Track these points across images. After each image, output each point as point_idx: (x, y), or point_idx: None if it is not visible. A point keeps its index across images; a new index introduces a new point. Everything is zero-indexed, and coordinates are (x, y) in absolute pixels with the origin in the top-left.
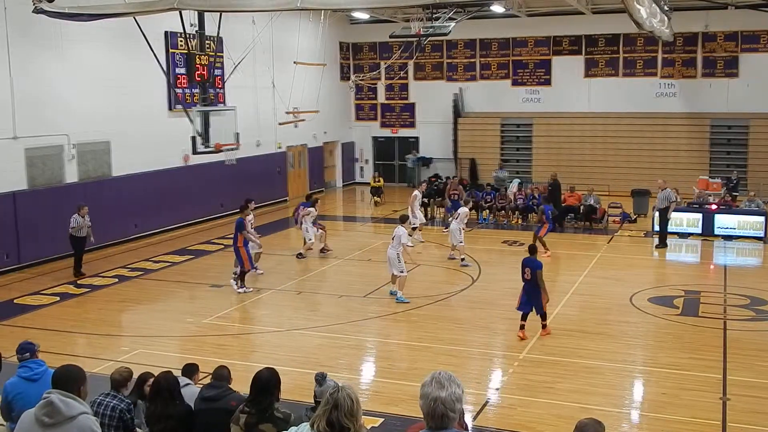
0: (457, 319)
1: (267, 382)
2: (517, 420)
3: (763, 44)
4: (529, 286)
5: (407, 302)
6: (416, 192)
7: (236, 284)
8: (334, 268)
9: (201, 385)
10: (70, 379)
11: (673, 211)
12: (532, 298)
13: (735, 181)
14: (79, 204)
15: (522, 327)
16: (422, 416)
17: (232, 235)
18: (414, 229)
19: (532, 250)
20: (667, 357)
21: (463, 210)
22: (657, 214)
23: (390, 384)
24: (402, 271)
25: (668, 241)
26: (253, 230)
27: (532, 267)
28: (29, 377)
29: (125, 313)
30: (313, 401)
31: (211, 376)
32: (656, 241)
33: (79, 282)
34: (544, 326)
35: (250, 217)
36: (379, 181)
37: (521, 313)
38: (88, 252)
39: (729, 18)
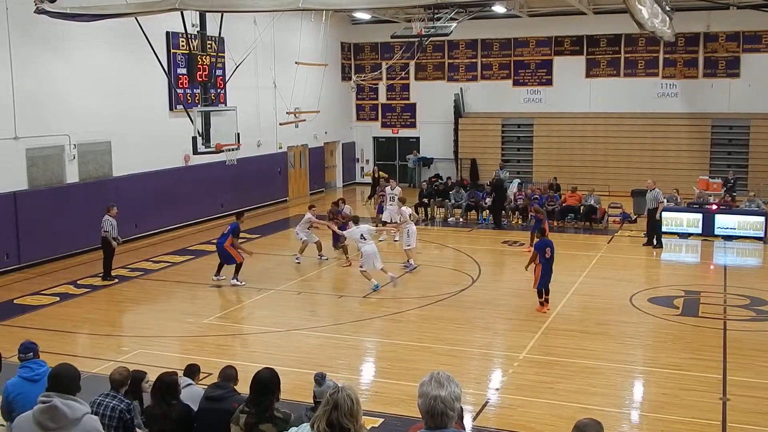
0: (457, 319)
1: (267, 382)
2: (517, 420)
3: (764, 44)
4: (549, 264)
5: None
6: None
7: (236, 280)
8: (334, 268)
9: (201, 385)
10: (70, 379)
11: (667, 210)
12: (549, 275)
13: (732, 182)
14: (109, 204)
15: (546, 302)
16: (421, 416)
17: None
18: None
19: (545, 231)
20: (667, 357)
21: (405, 210)
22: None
23: (390, 384)
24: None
25: (669, 241)
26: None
27: (552, 246)
28: (30, 378)
29: (125, 313)
30: (312, 402)
31: (218, 375)
32: (647, 240)
33: (79, 282)
34: (547, 301)
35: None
36: (378, 176)
37: (539, 291)
38: (88, 252)
39: (731, 18)
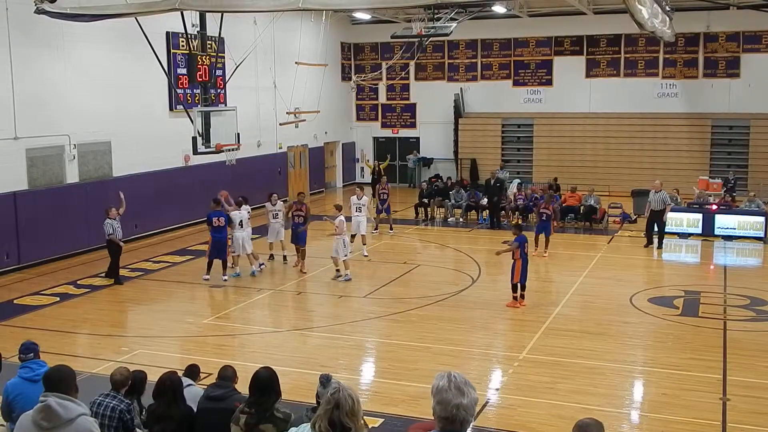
0: (457, 319)
1: (267, 381)
2: (517, 420)
3: (764, 44)
4: (527, 259)
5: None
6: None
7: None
8: (332, 268)
9: (201, 386)
10: (63, 380)
11: (672, 211)
12: (527, 270)
13: (732, 182)
14: (107, 207)
15: (522, 297)
16: (432, 418)
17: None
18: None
19: (521, 227)
20: (667, 357)
21: (341, 219)
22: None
23: (390, 384)
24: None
25: (669, 241)
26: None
27: (527, 241)
28: (30, 378)
29: (125, 313)
30: (315, 402)
31: (217, 376)
32: (646, 241)
33: (79, 282)
34: (522, 296)
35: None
36: (379, 168)
37: (516, 285)
38: (88, 252)
39: (730, 18)
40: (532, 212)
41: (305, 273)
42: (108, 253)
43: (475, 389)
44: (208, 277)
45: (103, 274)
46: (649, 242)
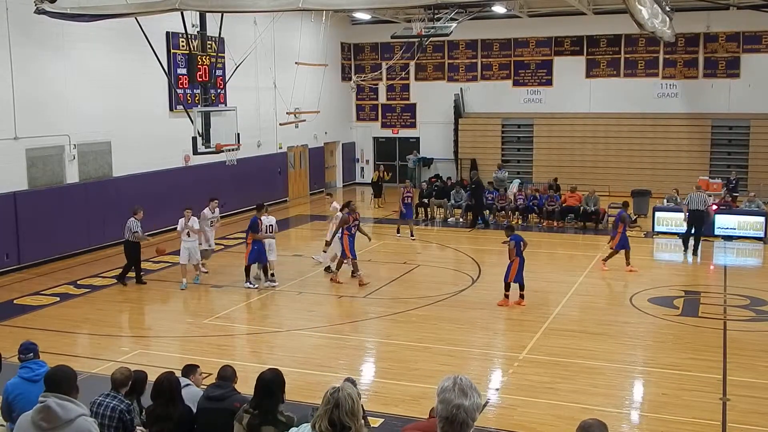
0: (457, 320)
1: (270, 383)
2: (517, 420)
3: (764, 45)
4: (522, 259)
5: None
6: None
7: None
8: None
9: (203, 386)
10: (64, 380)
11: (666, 210)
12: (522, 269)
13: (734, 182)
14: (135, 207)
15: (521, 297)
16: (425, 418)
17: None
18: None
19: (513, 228)
20: (667, 357)
21: (268, 219)
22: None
23: (390, 384)
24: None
25: (669, 241)
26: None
27: (524, 240)
28: (30, 378)
29: (125, 313)
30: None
31: (216, 375)
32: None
33: (79, 282)
34: (522, 296)
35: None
36: (382, 175)
37: (509, 284)
38: (88, 252)
39: (731, 18)
40: (533, 212)
41: (368, 283)
42: (131, 254)
43: (480, 395)
44: (250, 284)
45: (134, 280)
46: (687, 247)
